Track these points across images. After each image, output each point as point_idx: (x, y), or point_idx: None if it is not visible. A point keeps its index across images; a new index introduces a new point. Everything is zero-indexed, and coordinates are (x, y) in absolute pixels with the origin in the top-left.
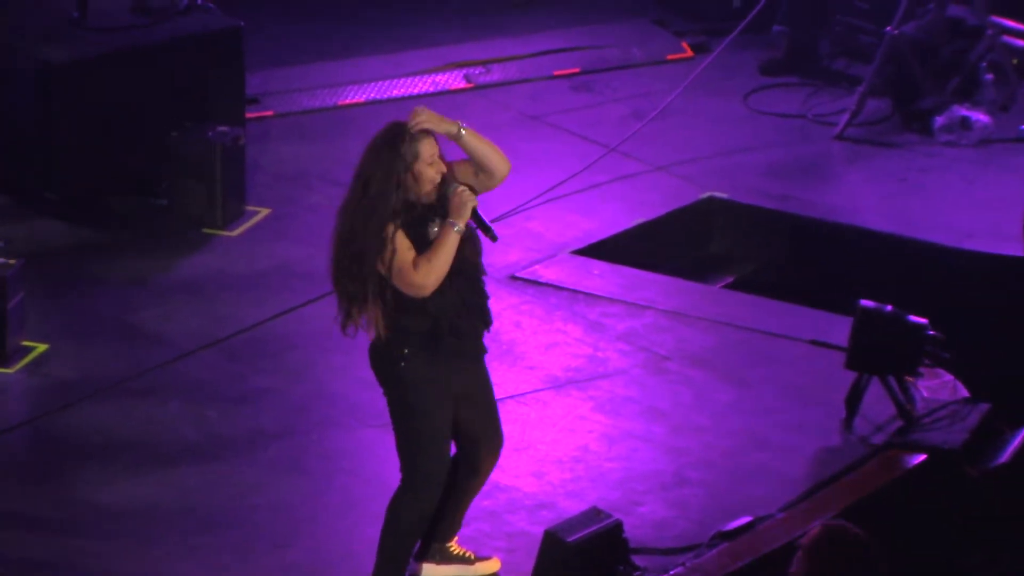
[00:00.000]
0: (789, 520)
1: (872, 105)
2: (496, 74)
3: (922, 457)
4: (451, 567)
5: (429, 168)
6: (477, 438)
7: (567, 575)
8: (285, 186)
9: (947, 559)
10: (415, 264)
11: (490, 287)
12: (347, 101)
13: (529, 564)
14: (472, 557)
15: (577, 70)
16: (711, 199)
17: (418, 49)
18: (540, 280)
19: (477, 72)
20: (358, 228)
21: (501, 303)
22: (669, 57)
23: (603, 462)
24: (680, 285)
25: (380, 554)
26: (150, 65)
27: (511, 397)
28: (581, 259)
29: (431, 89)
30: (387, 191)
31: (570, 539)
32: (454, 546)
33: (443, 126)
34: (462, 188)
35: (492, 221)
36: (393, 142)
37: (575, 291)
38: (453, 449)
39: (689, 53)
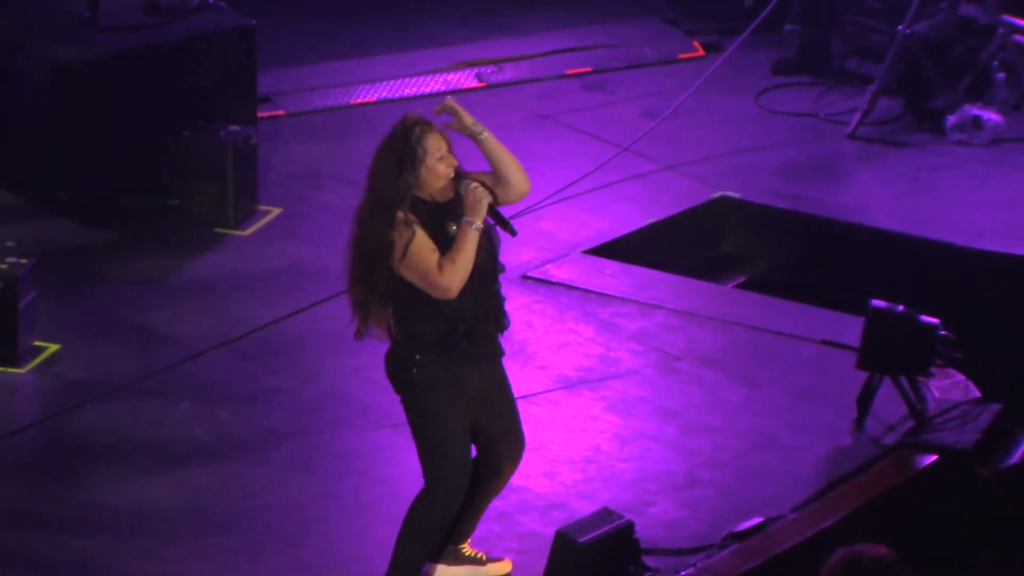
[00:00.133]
0: (800, 521)
1: (884, 104)
2: (508, 73)
3: (933, 457)
4: (463, 568)
5: (439, 163)
6: (496, 440)
7: None
8: (297, 185)
9: (958, 560)
10: (440, 266)
11: (502, 287)
12: (359, 100)
13: (540, 565)
14: (484, 558)
15: (589, 69)
16: (723, 199)
17: (430, 48)
18: (552, 280)
19: (489, 71)
20: (366, 230)
21: (513, 303)
22: (681, 56)
23: (615, 462)
24: (692, 285)
25: (396, 555)
26: (162, 65)
27: (523, 397)
28: (593, 259)
29: (443, 88)
30: (392, 189)
31: (582, 540)
32: (466, 547)
33: (468, 119)
34: (475, 185)
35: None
36: (397, 140)
37: (587, 291)
38: (473, 451)
39: (701, 52)
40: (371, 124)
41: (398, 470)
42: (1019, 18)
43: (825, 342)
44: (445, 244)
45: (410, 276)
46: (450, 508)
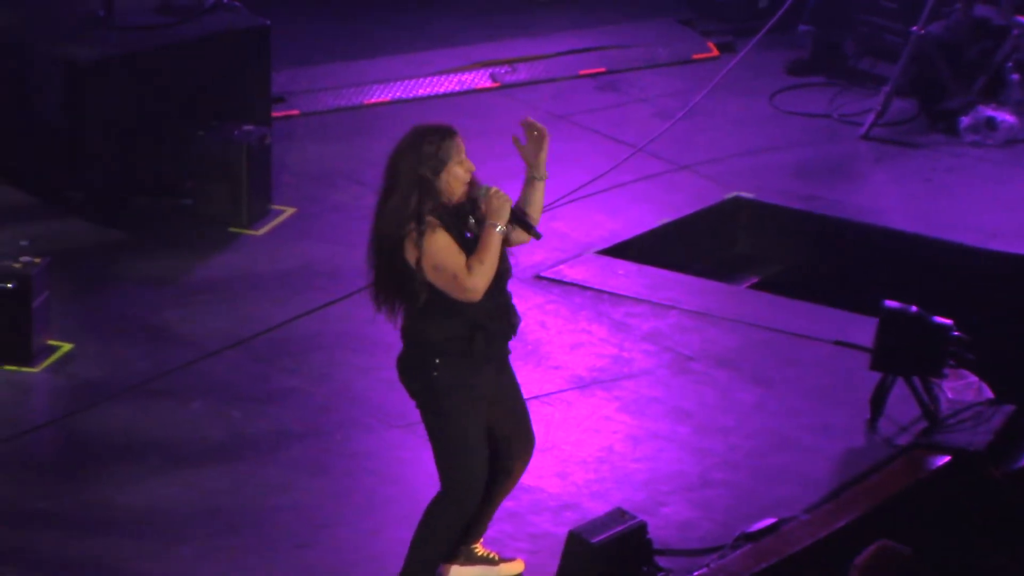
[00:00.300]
0: (813, 521)
1: (898, 105)
2: (522, 73)
3: (946, 458)
4: (476, 568)
5: (459, 167)
6: (508, 439)
7: None
8: (310, 185)
9: (970, 560)
10: (469, 267)
11: (515, 287)
12: (373, 100)
13: (553, 565)
14: (496, 558)
15: (603, 69)
16: (737, 199)
17: (444, 48)
18: (565, 280)
19: (503, 71)
20: (384, 231)
21: (526, 303)
22: (695, 57)
23: (628, 463)
24: (705, 285)
25: (411, 557)
26: (176, 64)
27: (536, 397)
28: (606, 259)
29: (457, 88)
30: (415, 185)
31: (594, 540)
32: (479, 547)
33: (544, 156)
34: (496, 189)
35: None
36: (423, 142)
37: (600, 291)
38: None
39: (715, 53)
40: (385, 124)
41: (410, 470)
42: None
43: (838, 343)
44: (462, 247)
45: (437, 277)
46: (468, 511)
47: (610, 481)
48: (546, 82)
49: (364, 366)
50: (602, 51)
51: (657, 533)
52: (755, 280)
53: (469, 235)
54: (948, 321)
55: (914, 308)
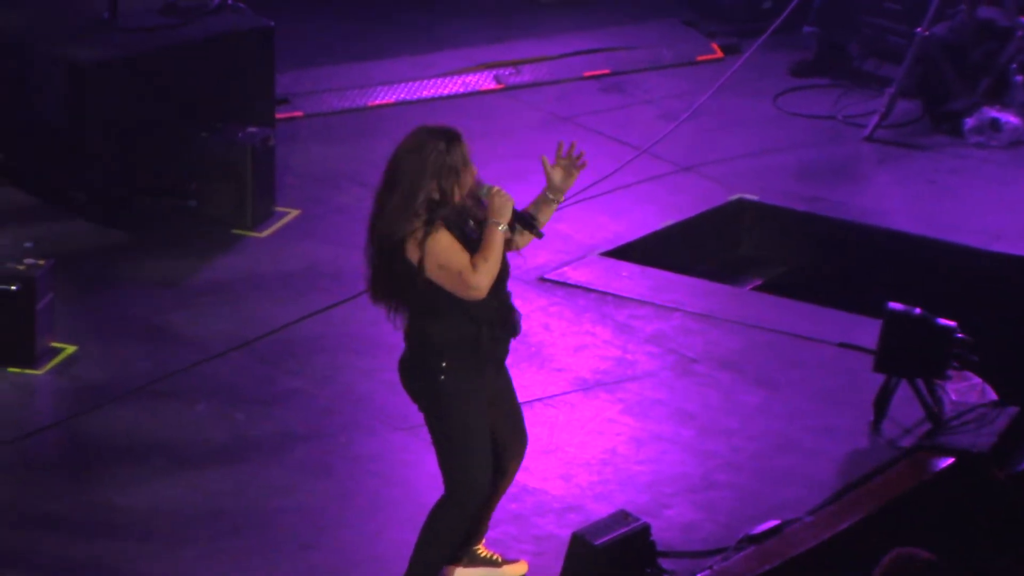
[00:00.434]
0: (817, 523)
1: (902, 106)
2: (526, 75)
3: (950, 460)
4: (479, 570)
5: (465, 172)
6: (505, 440)
7: None
8: (314, 187)
9: (975, 562)
10: (474, 264)
11: (518, 288)
12: (377, 102)
13: (557, 567)
14: (499, 560)
15: (607, 71)
16: (740, 201)
17: (448, 50)
18: (569, 282)
19: (507, 73)
20: (385, 230)
21: (530, 305)
22: (699, 58)
23: (631, 465)
24: (709, 287)
25: (415, 559)
26: (180, 66)
27: (539, 399)
28: (610, 261)
29: (461, 90)
30: (419, 190)
31: (598, 542)
32: (482, 549)
33: (570, 183)
34: (497, 188)
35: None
36: (434, 146)
37: (604, 293)
38: None
39: (719, 54)
40: (389, 126)
41: (414, 472)
42: None
43: (842, 344)
44: (467, 246)
45: (442, 276)
46: (471, 512)
47: (614, 483)
48: (550, 84)
49: (368, 368)
50: (606, 53)
51: (660, 535)
52: (759, 282)
53: (471, 235)
54: (952, 323)
55: (918, 310)
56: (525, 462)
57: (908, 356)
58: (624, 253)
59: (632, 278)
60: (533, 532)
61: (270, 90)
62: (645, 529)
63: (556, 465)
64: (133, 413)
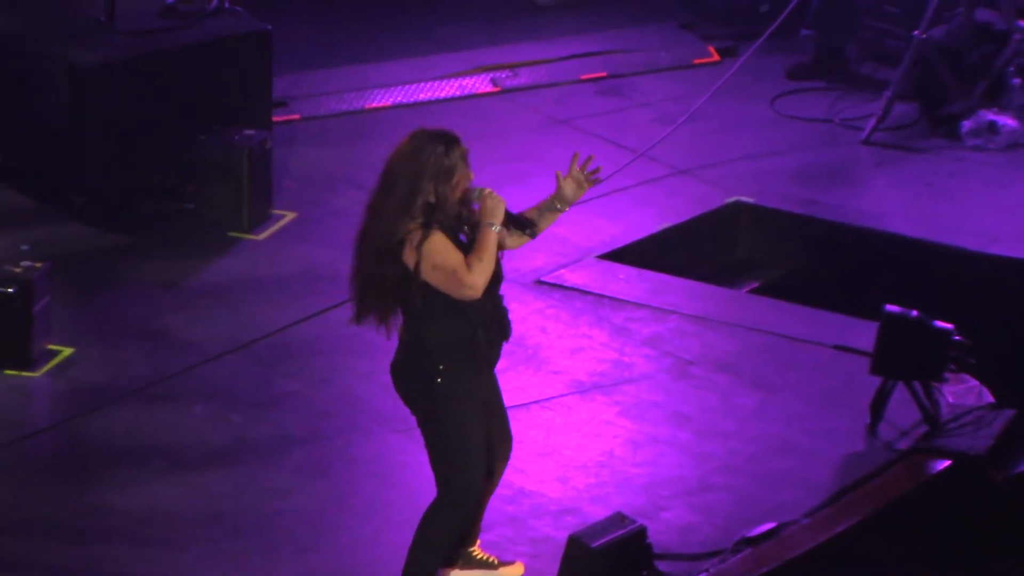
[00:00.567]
0: (814, 526)
1: (899, 109)
2: (523, 78)
3: (947, 463)
4: (475, 572)
5: (463, 176)
6: (494, 443)
7: None
8: (311, 190)
9: (971, 565)
10: (468, 264)
11: (515, 291)
12: (374, 105)
13: (553, 569)
14: (495, 562)
15: (604, 74)
16: (737, 204)
17: (445, 53)
18: (566, 284)
19: (504, 76)
20: (379, 227)
21: (527, 307)
22: (696, 61)
23: (628, 467)
24: (706, 290)
25: (410, 563)
26: (178, 68)
27: (536, 402)
28: (607, 263)
29: (458, 93)
30: (416, 193)
31: (594, 544)
32: (477, 551)
33: (579, 196)
34: (489, 191)
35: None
36: (433, 150)
37: (600, 296)
38: None
39: (716, 57)
40: (386, 128)
41: (411, 474)
42: None
43: (839, 347)
44: (460, 248)
45: (437, 278)
46: (466, 514)
47: (610, 485)
48: (548, 87)
49: (365, 371)
50: (603, 56)
51: (657, 537)
52: (756, 284)
53: (463, 237)
54: (949, 325)
55: (915, 312)
56: (521, 464)
57: (905, 359)
58: (621, 256)
59: (629, 281)
60: (529, 534)
61: (267, 93)
62: (642, 531)
63: (553, 467)
64: (131, 415)
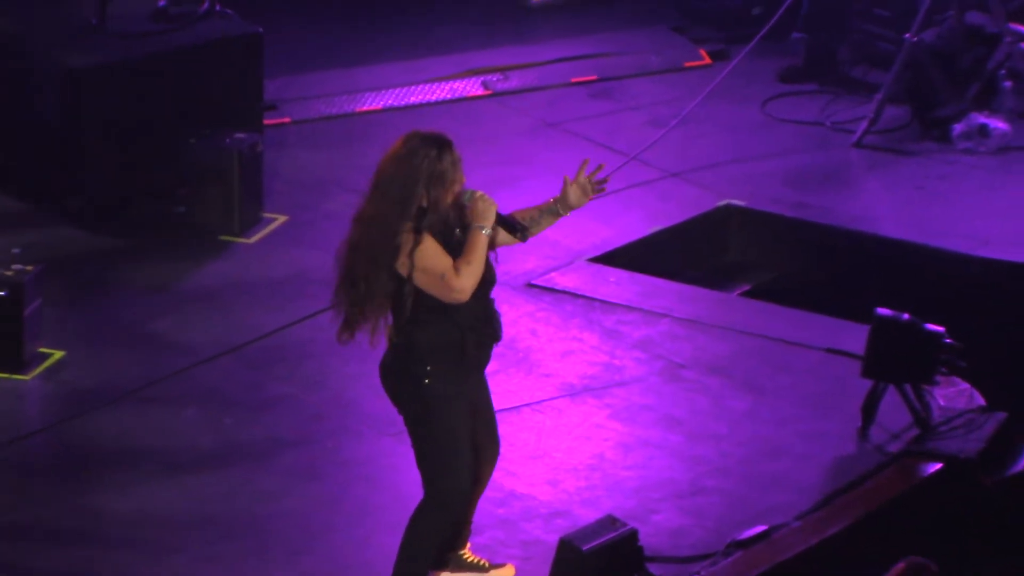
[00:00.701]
0: (805, 529)
1: (890, 112)
2: (514, 81)
3: (938, 466)
4: (466, 575)
5: (455, 180)
6: (481, 446)
7: None
8: (302, 193)
9: (962, 569)
10: (456, 268)
11: (506, 294)
12: (365, 108)
13: (544, 572)
14: (486, 565)
15: (595, 77)
16: (728, 207)
17: (436, 56)
18: (556, 287)
19: (495, 79)
20: (373, 232)
21: (517, 310)
22: (687, 64)
23: (619, 470)
24: (697, 293)
25: (400, 564)
26: (169, 71)
27: (527, 405)
28: (598, 267)
29: (449, 96)
30: (410, 198)
31: (585, 547)
32: (467, 553)
33: (583, 202)
34: (481, 193)
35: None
36: (427, 155)
37: (591, 299)
38: None
39: (707, 60)
40: (376, 132)
41: (402, 477)
42: None
43: (830, 350)
44: (451, 252)
45: (425, 281)
46: (453, 516)
47: (601, 488)
48: (538, 90)
49: (356, 373)
50: (594, 59)
51: (648, 540)
52: (747, 288)
53: (453, 242)
54: (940, 328)
55: (906, 316)
56: (512, 467)
57: (896, 361)
58: (612, 259)
59: (620, 284)
60: (521, 537)
61: (258, 96)
62: (633, 534)
63: (544, 470)
64: (122, 418)
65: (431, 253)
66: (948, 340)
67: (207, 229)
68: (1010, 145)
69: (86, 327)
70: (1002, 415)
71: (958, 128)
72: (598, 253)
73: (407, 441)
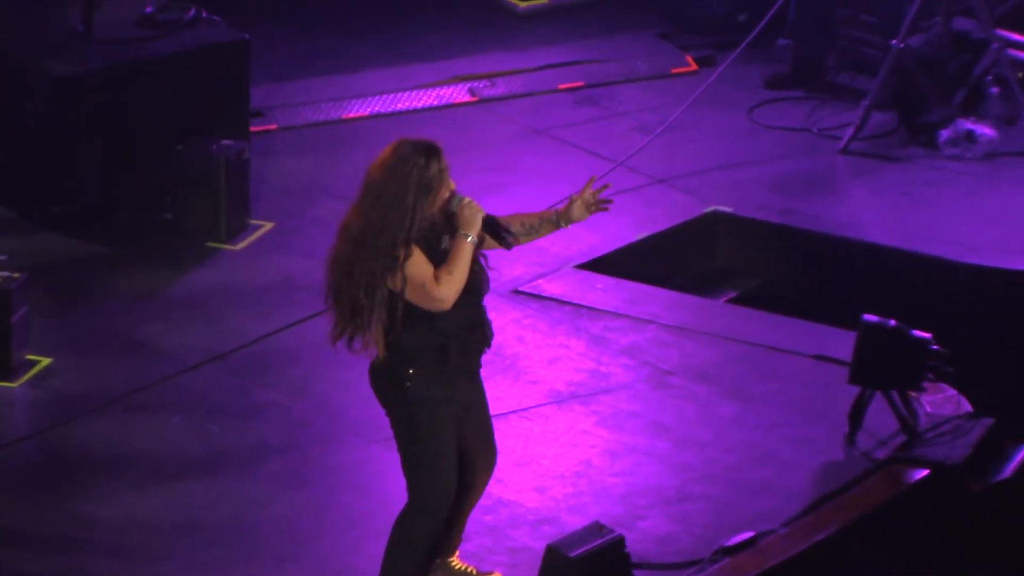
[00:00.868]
0: (792, 535)
1: (877, 119)
2: (501, 88)
3: (925, 472)
4: None
5: (444, 188)
6: (475, 452)
7: None
8: (289, 200)
9: (951, 572)
10: (437, 277)
11: (493, 301)
12: (352, 115)
13: None
14: (474, 572)
15: (582, 84)
16: (715, 213)
17: (423, 63)
18: (543, 294)
19: (482, 86)
20: (367, 244)
21: (504, 317)
22: (674, 71)
23: (606, 477)
24: (684, 300)
25: (385, 569)
26: (156, 78)
27: (514, 412)
28: (584, 273)
29: (436, 103)
30: (401, 207)
31: (572, 554)
32: (456, 561)
33: (586, 215)
34: (468, 200)
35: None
36: (418, 164)
37: (578, 305)
38: None
39: (694, 67)
40: (364, 138)
41: (389, 484)
42: (1013, 32)
43: (817, 357)
44: (437, 258)
45: (407, 288)
46: (436, 522)
47: (588, 495)
48: (525, 96)
49: (342, 380)
50: (581, 65)
51: (635, 547)
52: (733, 294)
53: (441, 247)
54: (927, 335)
55: (893, 322)
56: (499, 474)
57: (883, 368)
58: (599, 265)
59: (607, 290)
60: (507, 544)
61: (245, 103)
62: (620, 541)
63: (530, 477)
64: (109, 425)
65: (414, 262)
66: (935, 346)
67: (194, 236)
68: (997, 151)
69: (73, 334)
70: (989, 421)
71: (945, 134)
72: (585, 260)
73: (394, 448)
